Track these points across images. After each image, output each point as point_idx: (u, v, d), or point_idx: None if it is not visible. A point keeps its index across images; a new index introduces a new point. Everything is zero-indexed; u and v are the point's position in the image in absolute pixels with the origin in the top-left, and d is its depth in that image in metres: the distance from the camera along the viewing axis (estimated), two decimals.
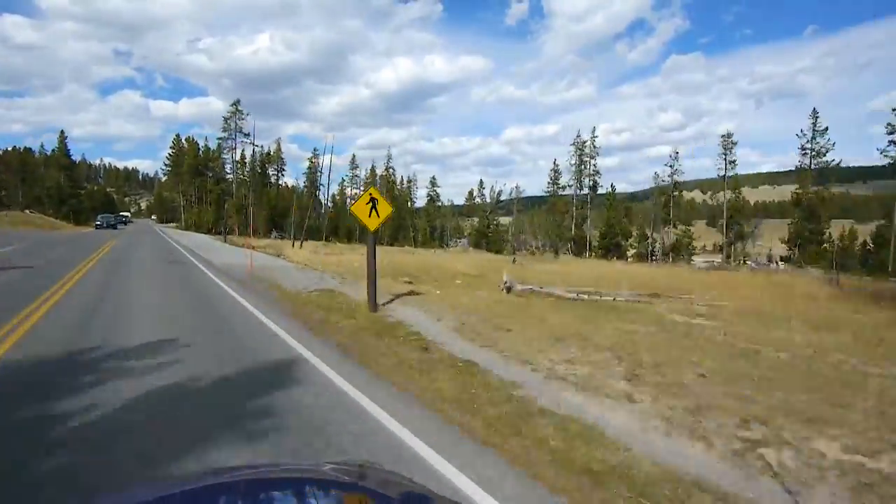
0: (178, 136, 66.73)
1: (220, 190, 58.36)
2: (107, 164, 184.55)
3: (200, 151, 62.30)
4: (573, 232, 49.91)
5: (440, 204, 67.14)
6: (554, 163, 54.56)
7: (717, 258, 46.02)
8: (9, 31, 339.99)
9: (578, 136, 50.35)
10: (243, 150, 60.50)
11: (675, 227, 42.39)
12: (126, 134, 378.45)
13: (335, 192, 70.43)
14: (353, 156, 73.64)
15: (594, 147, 48.96)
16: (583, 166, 50.28)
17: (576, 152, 50.58)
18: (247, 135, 58.24)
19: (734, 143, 41.36)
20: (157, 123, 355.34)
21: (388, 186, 63.39)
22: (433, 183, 66.32)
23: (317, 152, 68.47)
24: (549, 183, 55.31)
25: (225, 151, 58.45)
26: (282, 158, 67.24)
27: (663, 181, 44.67)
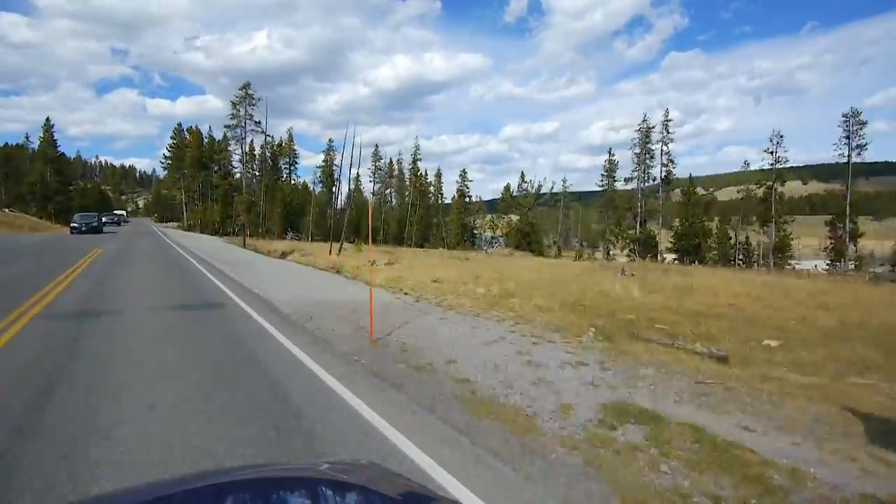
0: (179, 125, 59.57)
1: (227, 185, 51.54)
2: (103, 162, 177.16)
3: (205, 142, 55.35)
4: (637, 231, 43.25)
5: (470, 199, 60.37)
6: (609, 153, 47.85)
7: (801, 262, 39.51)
8: (5, 30, 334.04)
9: (645, 119, 43.47)
10: (252, 141, 53.69)
11: (777, 224, 35.71)
12: (123, 133, 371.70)
13: (350, 188, 63.53)
14: (376, 147, 66.51)
15: (667, 132, 42.06)
16: (647, 155, 43.53)
17: (640, 139, 43.82)
18: (258, 122, 51.49)
19: (863, 123, 34.72)
20: (155, 122, 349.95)
21: (418, 181, 56.61)
22: (463, 177, 59.50)
23: (332, 144, 61.87)
24: (603, 175, 48.67)
25: (233, 142, 51.55)
26: (294, 150, 60.49)
27: (763, 168, 37.94)
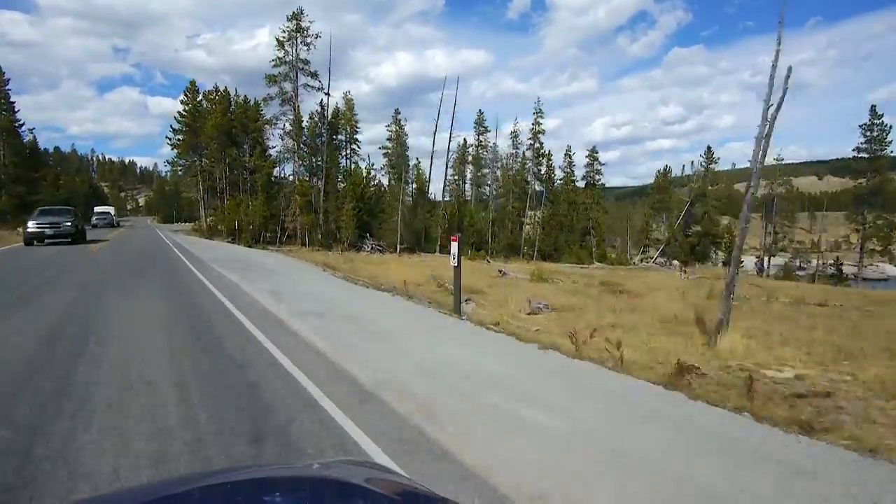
0: (193, 82, 40.90)
1: (270, 168, 34.31)
2: (100, 157, 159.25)
3: (232, 107, 37.81)
4: None
5: (603, 187, 43.02)
6: (872, 111, 30.32)
7: None
8: (6, 28, 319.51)
9: None
10: (298, 108, 35.81)
11: None
12: (124, 131, 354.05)
13: (406, 169, 45.50)
14: (480, 112, 49.04)
15: None
16: None
17: None
18: (314, 74, 34.17)
19: None
20: (156, 121, 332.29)
21: (545, 161, 39.37)
22: (593, 157, 42.13)
23: (399, 117, 44.41)
24: (859, 149, 31.22)
25: (278, 102, 34.05)
26: (355, 123, 43.06)
27: None
